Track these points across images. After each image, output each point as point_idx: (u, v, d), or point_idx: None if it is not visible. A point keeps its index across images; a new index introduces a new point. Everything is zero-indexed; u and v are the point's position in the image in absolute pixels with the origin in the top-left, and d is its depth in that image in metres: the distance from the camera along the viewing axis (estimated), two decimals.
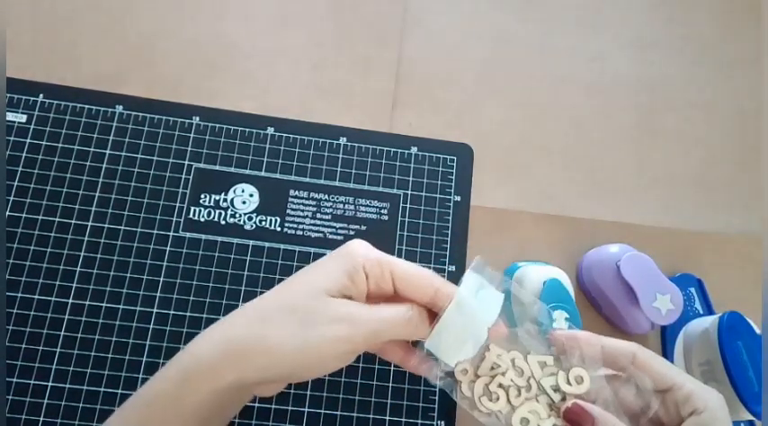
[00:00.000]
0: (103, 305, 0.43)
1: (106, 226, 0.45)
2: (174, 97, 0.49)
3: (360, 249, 0.34)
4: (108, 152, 0.46)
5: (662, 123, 0.54)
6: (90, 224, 0.45)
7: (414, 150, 0.49)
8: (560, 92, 0.53)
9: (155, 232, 0.45)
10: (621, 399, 0.36)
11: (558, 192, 0.51)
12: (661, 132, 0.53)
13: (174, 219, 0.46)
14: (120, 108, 0.47)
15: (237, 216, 0.46)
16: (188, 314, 0.44)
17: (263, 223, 0.46)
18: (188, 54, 0.50)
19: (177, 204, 0.46)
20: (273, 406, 0.42)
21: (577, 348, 0.36)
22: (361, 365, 0.44)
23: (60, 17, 0.50)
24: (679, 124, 0.54)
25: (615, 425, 0.34)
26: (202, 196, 0.46)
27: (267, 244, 0.46)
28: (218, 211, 0.46)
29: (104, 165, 0.46)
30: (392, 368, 0.44)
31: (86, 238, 0.44)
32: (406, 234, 0.47)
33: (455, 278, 0.46)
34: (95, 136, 0.47)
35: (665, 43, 0.56)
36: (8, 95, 0.46)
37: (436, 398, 0.44)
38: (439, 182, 0.49)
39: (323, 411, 0.43)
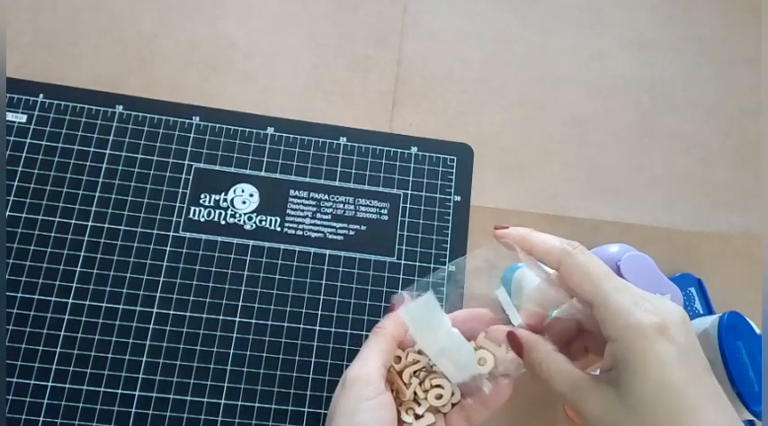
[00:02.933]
0: (103, 305, 0.43)
1: (106, 226, 0.45)
2: (174, 97, 0.49)
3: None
4: (108, 152, 0.46)
5: (662, 123, 0.54)
6: (90, 224, 0.45)
7: (414, 150, 0.49)
8: (560, 92, 0.53)
9: (155, 232, 0.45)
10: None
11: (558, 192, 0.51)
12: (661, 132, 0.54)
13: (174, 219, 0.46)
14: (120, 108, 0.47)
15: (237, 216, 0.46)
16: (188, 314, 0.44)
17: (263, 223, 0.46)
18: (188, 54, 0.50)
19: (177, 204, 0.46)
20: (273, 406, 0.42)
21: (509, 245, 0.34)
22: None
23: (60, 17, 0.50)
24: (679, 124, 0.54)
25: (539, 352, 0.32)
26: (202, 196, 0.46)
27: (267, 244, 0.46)
28: (218, 211, 0.46)
29: (104, 165, 0.46)
30: None
31: (86, 238, 0.44)
32: (406, 234, 0.47)
33: (454, 277, 0.46)
34: (95, 136, 0.47)
35: (665, 43, 0.56)
36: (8, 95, 0.46)
37: None
38: (439, 182, 0.49)
39: (322, 411, 0.43)
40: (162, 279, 0.44)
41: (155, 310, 0.43)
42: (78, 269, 0.44)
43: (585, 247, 0.47)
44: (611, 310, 0.29)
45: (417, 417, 0.35)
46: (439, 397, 0.36)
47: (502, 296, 0.35)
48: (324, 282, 0.45)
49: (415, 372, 0.36)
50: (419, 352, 0.36)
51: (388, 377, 0.36)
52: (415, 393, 0.36)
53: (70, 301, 0.43)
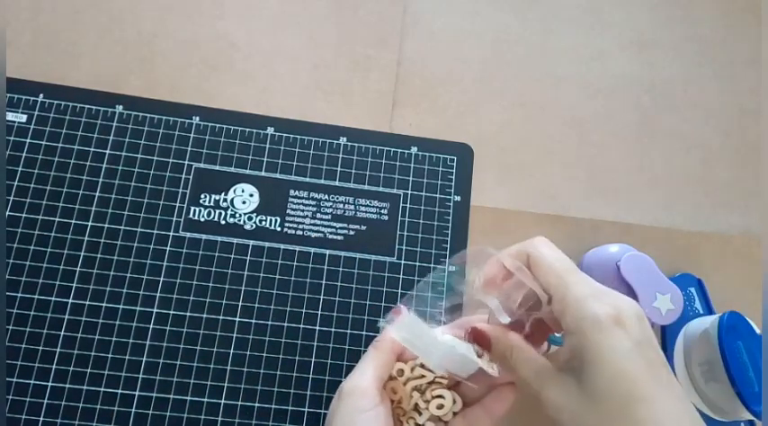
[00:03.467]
0: (103, 305, 0.43)
1: (106, 226, 0.45)
2: (174, 97, 0.49)
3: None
4: (108, 152, 0.46)
5: (662, 123, 0.54)
6: (90, 224, 0.45)
7: (414, 150, 0.49)
8: (560, 92, 0.53)
9: (155, 232, 0.45)
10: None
11: (558, 192, 0.51)
12: (661, 132, 0.53)
13: (174, 219, 0.46)
14: (120, 108, 0.47)
15: (237, 216, 0.46)
16: (188, 314, 0.44)
17: (263, 223, 0.46)
18: (188, 54, 0.50)
19: (177, 204, 0.46)
20: (273, 406, 0.42)
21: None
22: None
23: (60, 17, 0.50)
24: (679, 124, 0.54)
25: (507, 343, 0.32)
26: (202, 196, 0.46)
27: (267, 244, 0.46)
28: (218, 211, 0.46)
29: (104, 165, 0.46)
30: None
31: (86, 238, 0.44)
32: (406, 234, 0.47)
33: (455, 276, 0.46)
34: (95, 136, 0.47)
35: (665, 43, 0.56)
36: (8, 95, 0.46)
37: None
38: (439, 182, 0.49)
39: (322, 411, 0.43)
40: (162, 279, 0.44)
41: (155, 310, 0.43)
42: (78, 269, 0.44)
43: (584, 248, 0.47)
44: (570, 302, 0.30)
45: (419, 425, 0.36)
46: (440, 407, 0.36)
47: (490, 300, 0.35)
48: (324, 282, 0.45)
49: (415, 386, 0.36)
50: (422, 366, 0.36)
51: (392, 388, 0.36)
52: (416, 404, 0.36)
53: (70, 301, 0.43)
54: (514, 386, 0.35)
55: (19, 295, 0.43)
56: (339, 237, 0.47)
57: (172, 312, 0.43)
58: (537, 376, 0.31)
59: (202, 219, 0.46)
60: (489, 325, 0.34)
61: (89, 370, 0.42)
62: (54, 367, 0.42)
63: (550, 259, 0.32)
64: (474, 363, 0.34)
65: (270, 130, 0.49)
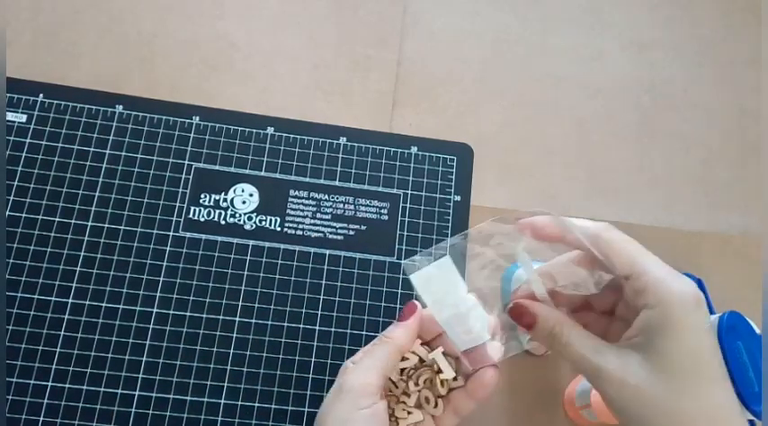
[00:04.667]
0: (103, 305, 0.43)
1: (106, 226, 0.45)
2: (174, 97, 0.49)
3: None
4: (108, 152, 0.46)
5: (662, 123, 0.54)
6: (90, 224, 0.45)
7: (414, 150, 0.49)
8: (560, 92, 0.53)
9: (155, 232, 0.45)
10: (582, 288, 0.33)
11: (558, 192, 0.51)
12: (661, 132, 0.53)
13: (174, 219, 0.46)
14: (120, 108, 0.47)
15: (237, 216, 0.46)
16: (188, 314, 0.44)
17: (263, 223, 0.46)
18: (188, 54, 0.50)
19: (177, 204, 0.46)
20: (273, 406, 0.42)
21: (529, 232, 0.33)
22: None
23: (60, 17, 0.50)
24: (679, 124, 0.54)
25: (557, 321, 0.31)
26: (202, 196, 0.46)
27: (267, 244, 0.46)
28: (218, 211, 0.46)
29: (104, 165, 0.46)
30: None
31: (86, 238, 0.44)
32: (406, 234, 0.47)
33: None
34: (95, 136, 0.47)
35: (665, 43, 0.56)
36: (8, 95, 0.46)
37: None
38: (439, 182, 0.49)
39: None
40: (162, 278, 0.44)
41: (155, 310, 0.43)
42: (78, 269, 0.44)
43: None
44: (652, 279, 0.30)
45: (409, 413, 0.35)
46: (429, 389, 0.36)
47: (524, 259, 0.33)
48: (324, 282, 0.45)
49: (404, 369, 0.36)
50: (412, 352, 0.36)
51: None
52: (406, 388, 0.36)
53: (70, 301, 0.43)
54: (497, 369, 0.35)
55: (19, 295, 0.43)
56: (339, 237, 0.47)
57: (172, 312, 0.43)
58: (596, 351, 0.30)
59: (202, 219, 0.46)
60: (534, 301, 0.32)
61: (89, 370, 0.42)
62: (54, 367, 0.42)
63: (625, 240, 0.32)
64: (480, 337, 0.34)
65: (270, 130, 0.49)
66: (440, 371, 0.36)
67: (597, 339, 0.31)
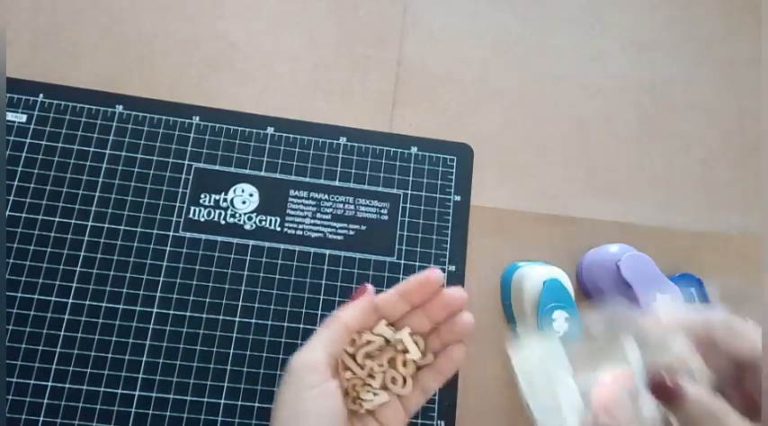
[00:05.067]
0: (103, 305, 0.43)
1: (106, 226, 0.45)
2: (174, 97, 0.49)
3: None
4: (108, 152, 0.46)
5: (662, 123, 0.54)
6: (90, 224, 0.45)
7: (414, 150, 0.49)
8: (560, 92, 0.53)
9: (155, 232, 0.45)
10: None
11: (558, 192, 0.51)
12: (661, 132, 0.53)
13: (174, 219, 0.46)
14: (120, 108, 0.47)
15: (237, 216, 0.46)
16: (188, 314, 0.44)
17: (263, 223, 0.46)
18: (188, 54, 0.50)
19: (177, 204, 0.46)
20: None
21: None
22: None
23: (60, 17, 0.50)
24: (679, 124, 0.54)
25: (711, 404, 0.28)
26: (202, 196, 0.46)
27: (267, 244, 0.46)
28: (218, 211, 0.46)
29: (104, 165, 0.46)
30: None
31: (86, 238, 0.44)
32: (406, 233, 0.47)
33: (455, 278, 0.46)
34: (95, 136, 0.47)
35: (665, 43, 0.56)
36: (8, 95, 0.46)
37: (436, 398, 0.44)
38: (439, 182, 0.49)
39: None
40: (162, 278, 0.44)
41: (155, 310, 0.43)
42: (78, 269, 0.44)
43: (584, 248, 0.47)
44: None
45: (375, 394, 0.35)
46: (396, 369, 0.36)
47: (632, 352, 0.31)
48: (324, 282, 0.45)
49: (368, 353, 0.36)
50: (370, 332, 0.36)
51: (343, 362, 0.36)
52: (371, 369, 0.36)
53: (70, 301, 0.43)
54: (463, 344, 0.35)
55: (19, 295, 0.43)
56: (339, 237, 0.47)
57: (172, 312, 0.43)
58: None
59: (202, 219, 0.46)
60: (701, 390, 0.29)
61: (89, 370, 0.42)
62: (54, 367, 0.42)
63: (747, 328, 0.30)
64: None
65: (270, 130, 0.49)
66: (406, 351, 0.36)
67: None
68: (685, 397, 0.28)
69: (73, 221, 0.45)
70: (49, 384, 0.41)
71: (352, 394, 0.36)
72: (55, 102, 0.47)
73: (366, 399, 0.36)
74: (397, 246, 0.47)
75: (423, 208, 0.48)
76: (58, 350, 0.42)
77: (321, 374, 0.33)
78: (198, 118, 0.48)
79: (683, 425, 0.29)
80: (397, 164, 0.49)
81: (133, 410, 0.41)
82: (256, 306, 0.44)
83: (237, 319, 0.44)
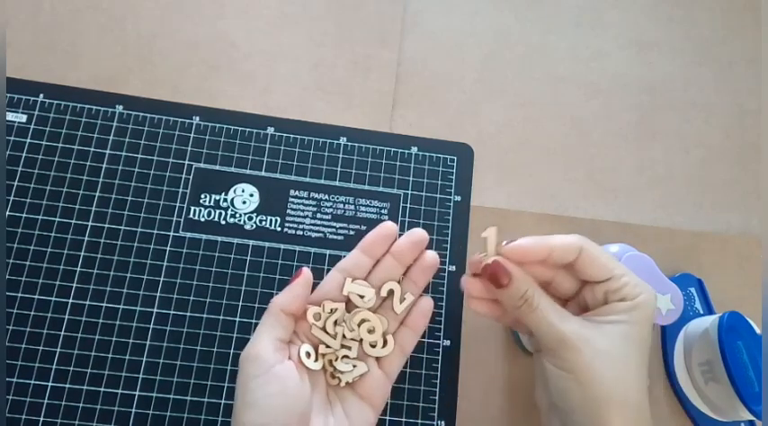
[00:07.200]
0: (103, 305, 0.43)
1: (106, 225, 0.45)
2: (174, 97, 0.49)
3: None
4: (108, 152, 0.46)
5: (662, 123, 0.54)
6: (90, 224, 0.45)
7: (414, 150, 0.49)
8: (560, 92, 0.53)
9: (155, 232, 0.45)
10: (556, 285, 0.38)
11: (558, 192, 0.51)
12: (661, 132, 0.54)
13: (174, 219, 0.46)
14: (120, 108, 0.47)
15: (237, 216, 0.46)
16: (188, 314, 0.44)
17: (263, 223, 0.46)
18: (188, 54, 0.50)
19: (177, 204, 0.46)
20: None
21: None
22: None
23: (60, 17, 0.50)
24: (679, 124, 0.54)
25: (530, 285, 0.35)
26: (202, 196, 0.46)
27: (267, 244, 0.46)
28: (218, 211, 0.46)
29: (104, 165, 0.46)
30: None
31: (86, 238, 0.44)
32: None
33: (455, 278, 0.46)
34: (95, 136, 0.47)
35: (665, 43, 0.56)
36: (8, 95, 0.46)
37: (436, 398, 0.44)
38: (439, 182, 0.49)
39: None
40: (162, 279, 0.44)
41: (155, 310, 0.43)
42: (78, 269, 0.44)
43: None
44: (631, 281, 0.35)
45: (354, 366, 0.35)
46: (371, 331, 0.36)
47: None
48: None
49: (336, 320, 0.36)
50: (332, 300, 0.37)
51: (315, 337, 0.36)
52: (343, 337, 0.36)
53: (70, 301, 0.43)
54: (430, 297, 0.39)
55: (19, 295, 0.43)
56: (339, 237, 0.47)
57: (172, 312, 0.43)
58: (561, 318, 0.34)
59: (202, 219, 0.46)
60: (512, 264, 0.36)
61: (89, 370, 0.42)
62: (54, 367, 0.42)
63: (603, 251, 0.36)
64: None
65: (270, 130, 0.49)
66: (362, 296, 0.36)
67: (563, 309, 0.35)
68: (512, 277, 0.35)
69: (73, 221, 0.45)
70: (49, 384, 0.41)
71: (330, 369, 0.36)
72: (55, 102, 0.47)
73: (344, 370, 0.36)
74: None
75: (423, 208, 0.48)
76: (58, 350, 0.42)
77: (263, 363, 0.34)
78: (198, 118, 0.48)
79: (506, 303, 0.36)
80: (398, 164, 0.49)
81: (133, 410, 0.41)
82: (257, 306, 0.44)
83: (238, 319, 0.44)
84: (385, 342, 0.37)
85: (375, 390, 0.37)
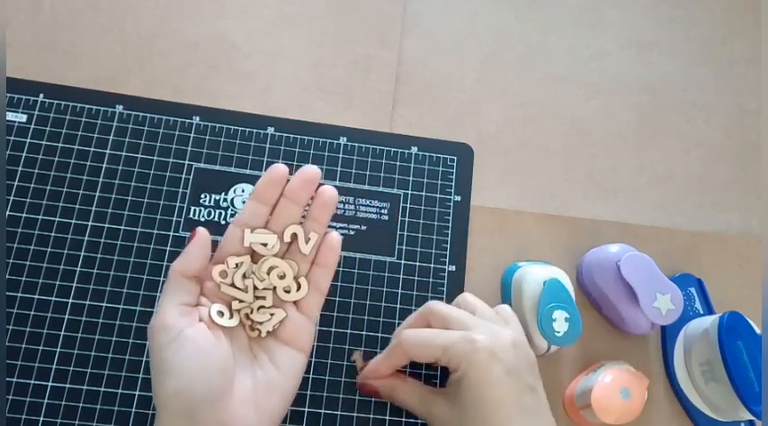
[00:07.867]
0: (103, 305, 0.43)
1: (106, 226, 0.45)
2: (174, 97, 0.49)
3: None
4: (108, 152, 0.46)
5: (662, 123, 0.54)
6: (90, 224, 0.45)
7: (414, 150, 0.49)
8: (560, 92, 0.54)
9: (155, 232, 0.45)
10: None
11: (558, 192, 0.51)
12: (661, 132, 0.54)
13: (174, 219, 0.46)
14: (120, 108, 0.47)
15: None
16: None
17: None
18: (188, 54, 0.50)
19: (177, 204, 0.46)
20: None
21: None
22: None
23: (60, 17, 0.50)
24: (679, 124, 0.54)
25: (392, 388, 0.40)
26: (202, 196, 0.46)
27: None
28: (218, 211, 0.46)
29: (104, 165, 0.46)
30: None
31: (86, 238, 0.44)
32: (406, 234, 0.47)
33: (455, 278, 0.46)
34: (95, 136, 0.47)
35: (665, 43, 0.56)
36: (8, 95, 0.46)
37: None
38: (439, 182, 0.49)
39: (323, 411, 0.43)
40: (162, 279, 0.44)
41: (155, 310, 0.43)
42: (78, 269, 0.44)
43: (584, 248, 0.47)
44: (455, 353, 0.36)
45: (271, 314, 0.35)
46: (282, 277, 0.36)
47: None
48: None
49: (245, 273, 0.36)
50: (238, 255, 0.36)
51: (228, 295, 0.36)
52: (255, 288, 0.36)
53: (70, 301, 0.43)
54: (335, 232, 0.39)
55: (19, 295, 0.43)
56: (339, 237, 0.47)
57: None
58: (422, 401, 0.39)
59: (202, 219, 0.46)
60: (376, 381, 0.41)
61: (89, 370, 0.42)
62: (54, 367, 0.42)
63: (428, 335, 0.38)
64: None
65: (270, 130, 0.49)
66: (265, 244, 0.36)
67: (424, 388, 0.40)
68: (378, 390, 0.41)
69: (73, 221, 0.45)
70: (50, 384, 0.41)
71: (248, 323, 0.36)
72: (55, 102, 0.47)
73: (262, 321, 0.36)
74: (397, 246, 0.47)
75: (423, 208, 0.48)
76: (58, 349, 0.42)
77: (173, 327, 0.34)
78: (198, 118, 0.48)
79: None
80: (398, 163, 0.49)
81: (133, 410, 0.41)
82: None
83: None
84: (299, 286, 0.37)
85: (298, 333, 0.37)
